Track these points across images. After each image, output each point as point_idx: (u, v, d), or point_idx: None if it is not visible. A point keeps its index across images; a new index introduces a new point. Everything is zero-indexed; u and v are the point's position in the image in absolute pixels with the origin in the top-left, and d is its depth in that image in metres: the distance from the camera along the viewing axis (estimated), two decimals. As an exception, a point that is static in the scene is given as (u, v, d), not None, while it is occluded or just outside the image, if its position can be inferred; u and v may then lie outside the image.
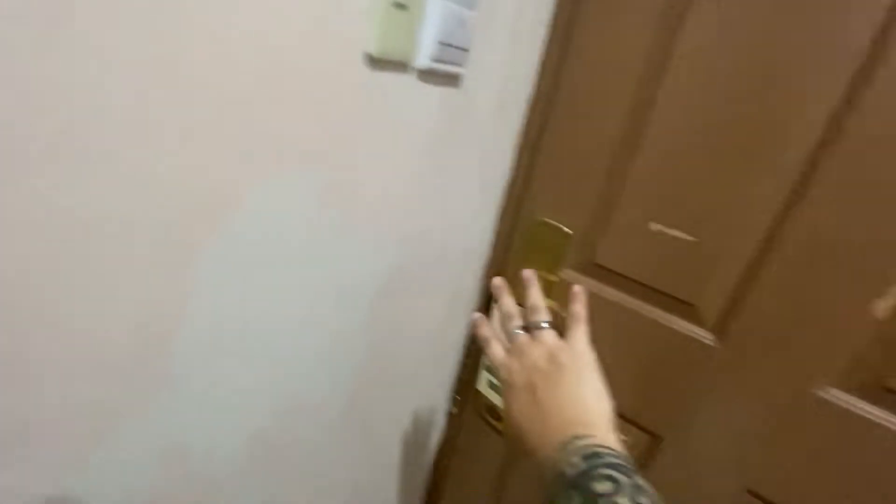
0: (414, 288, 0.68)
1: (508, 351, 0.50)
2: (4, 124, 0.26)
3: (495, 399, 0.84)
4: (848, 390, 0.54)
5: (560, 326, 0.59)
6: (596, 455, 0.35)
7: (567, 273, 0.71)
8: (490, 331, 0.53)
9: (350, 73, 0.42)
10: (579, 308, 0.50)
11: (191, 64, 0.32)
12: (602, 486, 0.32)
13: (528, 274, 0.53)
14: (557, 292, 0.72)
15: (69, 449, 0.37)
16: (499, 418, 0.86)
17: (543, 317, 0.50)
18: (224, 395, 0.48)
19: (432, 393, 0.89)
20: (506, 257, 0.78)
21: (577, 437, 0.36)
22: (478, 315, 0.55)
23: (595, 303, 0.67)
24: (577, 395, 0.43)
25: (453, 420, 0.95)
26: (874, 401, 0.52)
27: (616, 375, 0.70)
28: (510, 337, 0.50)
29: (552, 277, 0.72)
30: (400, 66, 0.46)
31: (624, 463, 0.35)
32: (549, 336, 0.49)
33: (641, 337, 0.66)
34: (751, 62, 0.51)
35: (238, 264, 0.42)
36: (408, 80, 0.48)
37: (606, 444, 0.36)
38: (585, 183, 0.66)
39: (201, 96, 0.33)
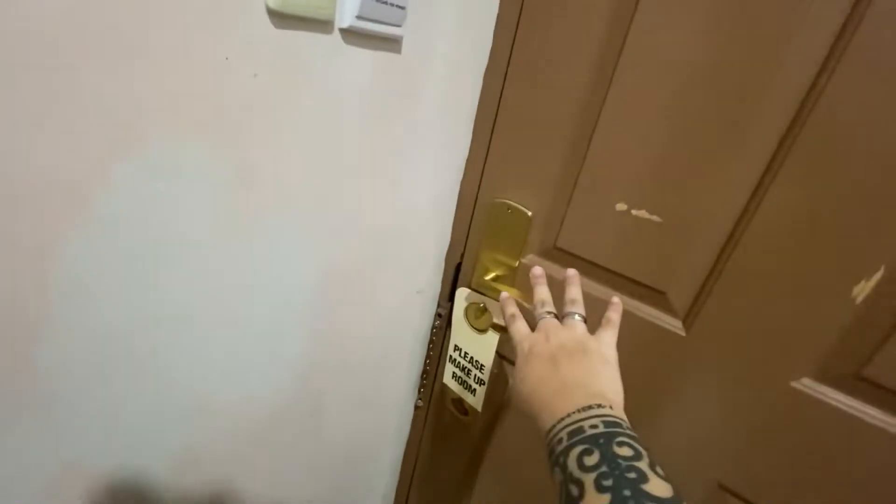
0: (362, 279, 0.62)
1: (535, 329, 0.50)
2: None
3: (460, 392, 0.80)
4: (824, 381, 0.50)
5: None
6: (616, 424, 0.35)
7: (530, 258, 0.66)
8: (516, 308, 0.54)
9: (249, 31, 0.36)
10: (614, 315, 0.51)
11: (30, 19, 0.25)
12: (623, 451, 0.32)
13: (572, 272, 0.54)
14: (520, 279, 0.67)
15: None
16: (465, 411, 0.82)
17: (580, 310, 0.50)
18: (121, 413, 0.42)
19: (397, 386, 0.85)
20: (466, 242, 0.73)
21: (599, 406, 0.37)
22: (505, 294, 0.56)
23: (558, 289, 0.63)
24: (598, 376, 0.43)
25: (420, 413, 0.91)
26: (851, 391, 0.49)
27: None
28: (539, 319, 0.50)
29: (514, 263, 0.67)
30: (317, 24, 0.40)
31: (639, 439, 0.35)
32: (580, 326, 0.49)
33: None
34: (718, 34, 0.46)
35: (118, 258, 0.36)
36: (330, 42, 0.42)
37: (625, 420, 0.37)
38: (545, 160, 0.60)
39: (46, 60, 0.27)
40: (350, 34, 0.42)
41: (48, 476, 0.39)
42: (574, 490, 0.31)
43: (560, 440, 0.35)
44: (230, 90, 0.37)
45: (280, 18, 0.36)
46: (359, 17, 0.41)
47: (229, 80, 0.36)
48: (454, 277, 0.76)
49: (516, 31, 0.57)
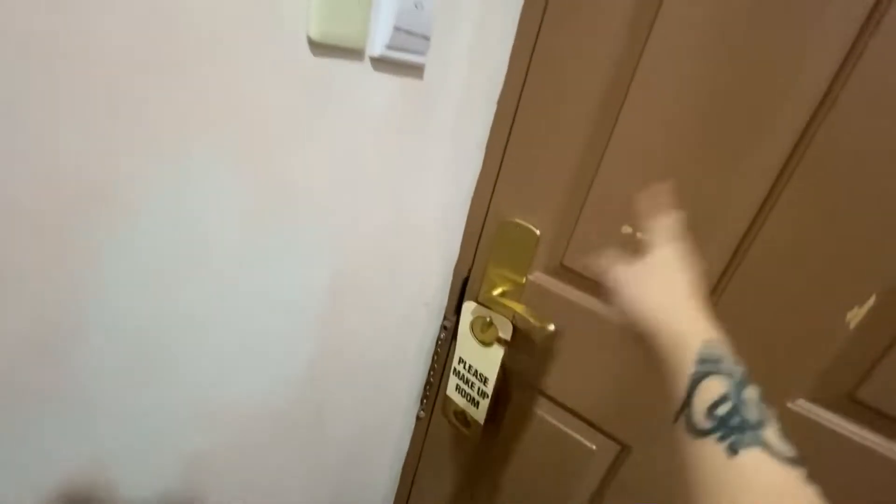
0: (371, 290, 0.64)
1: None
2: None
3: (463, 404, 0.82)
4: (819, 402, 0.52)
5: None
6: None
7: (536, 275, 0.68)
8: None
9: (289, 59, 0.38)
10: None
11: (86, 34, 0.28)
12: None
13: None
14: (527, 295, 0.69)
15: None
16: (467, 424, 0.83)
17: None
18: (138, 413, 0.44)
19: (399, 397, 0.86)
20: (474, 258, 0.75)
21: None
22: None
23: (563, 306, 0.65)
24: None
25: (421, 424, 0.92)
26: (845, 413, 0.51)
27: (584, 381, 0.68)
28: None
29: (520, 280, 0.69)
30: (350, 52, 0.42)
31: None
32: None
33: (610, 343, 0.63)
34: (721, 67, 0.49)
35: (149, 262, 0.38)
36: (360, 69, 0.45)
37: None
38: (554, 182, 0.63)
39: (99, 72, 0.29)
40: (379, 62, 0.45)
41: (66, 472, 0.41)
42: (753, 414, 0.29)
43: (719, 358, 0.33)
44: (266, 109, 0.39)
45: (318, 47, 0.39)
46: (388, 47, 0.44)
47: (266, 100, 0.39)
48: (461, 291, 0.78)
49: (530, 62, 0.60)
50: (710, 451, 0.28)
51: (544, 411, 0.74)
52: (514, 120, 0.64)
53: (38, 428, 0.37)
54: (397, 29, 0.43)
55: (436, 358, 0.86)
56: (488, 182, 0.69)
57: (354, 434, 0.79)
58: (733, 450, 0.27)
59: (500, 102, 0.65)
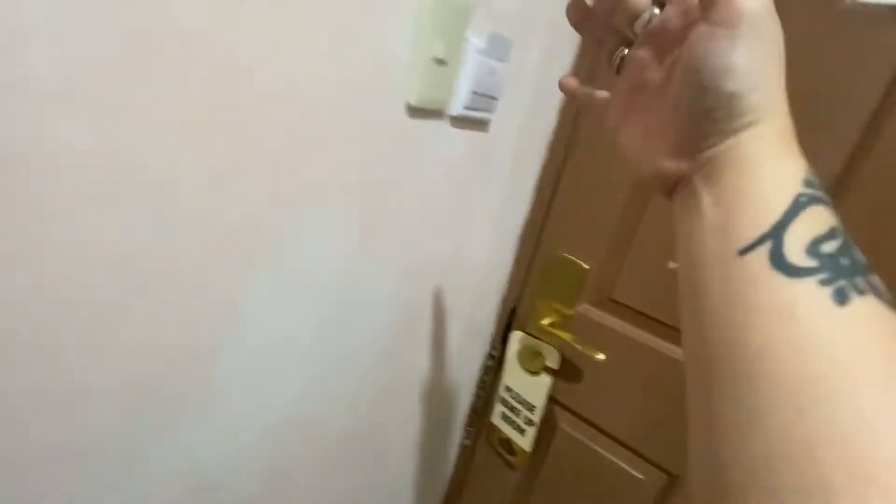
0: (431, 318, 0.69)
1: None
2: (79, 168, 0.29)
3: (509, 432, 0.85)
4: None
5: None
6: None
7: (584, 308, 0.73)
8: None
9: (390, 121, 0.45)
10: None
11: (237, 112, 0.35)
12: None
13: None
14: (574, 326, 0.73)
15: (89, 477, 0.39)
16: (512, 452, 0.86)
17: None
18: (246, 422, 0.49)
19: (446, 424, 0.89)
20: (522, 290, 0.80)
21: None
22: None
23: (611, 338, 0.69)
24: None
25: (466, 452, 0.95)
26: None
27: (631, 412, 0.71)
28: None
29: (569, 312, 0.74)
30: (436, 113, 0.49)
31: None
32: None
33: (658, 374, 0.67)
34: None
35: (272, 294, 0.44)
36: (441, 126, 0.51)
37: None
38: (603, 219, 0.68)
39: (251, 142, 0.36)
40: (456, 119, 0.52)
41: (185, 479, 0.46)
42: (861, 256, 0.22)
43: (820, 193, 0.24)
44: (368, 163, 0.46)
45: (413, 111, 0.46)
46: (465, 108, 0.51)
47: (369, 156, 0.46)
48: (508, 321, 0.83)
49: (580, 111, 0.67)
50: (810, 295, 0.21)
51: (591, 440, 0.77)
52: (564, 161, 0.70)
53: (180, 427, 0.43)
54: (474, 93, 0.50)
55: (481, 386, 0.89)
56: (539, 218, 0.75)
57: (401, 460, 0.83)
58: (842, 297, 0.21)
59: (551, 146, 0.71)
